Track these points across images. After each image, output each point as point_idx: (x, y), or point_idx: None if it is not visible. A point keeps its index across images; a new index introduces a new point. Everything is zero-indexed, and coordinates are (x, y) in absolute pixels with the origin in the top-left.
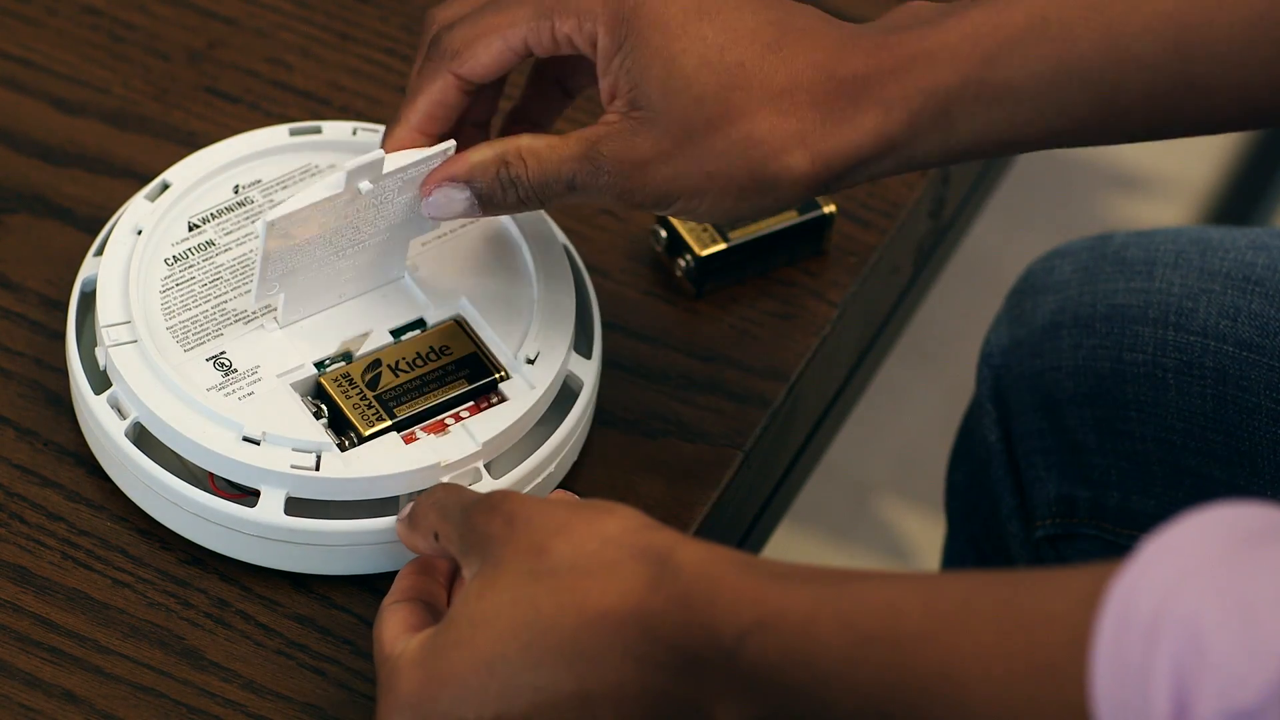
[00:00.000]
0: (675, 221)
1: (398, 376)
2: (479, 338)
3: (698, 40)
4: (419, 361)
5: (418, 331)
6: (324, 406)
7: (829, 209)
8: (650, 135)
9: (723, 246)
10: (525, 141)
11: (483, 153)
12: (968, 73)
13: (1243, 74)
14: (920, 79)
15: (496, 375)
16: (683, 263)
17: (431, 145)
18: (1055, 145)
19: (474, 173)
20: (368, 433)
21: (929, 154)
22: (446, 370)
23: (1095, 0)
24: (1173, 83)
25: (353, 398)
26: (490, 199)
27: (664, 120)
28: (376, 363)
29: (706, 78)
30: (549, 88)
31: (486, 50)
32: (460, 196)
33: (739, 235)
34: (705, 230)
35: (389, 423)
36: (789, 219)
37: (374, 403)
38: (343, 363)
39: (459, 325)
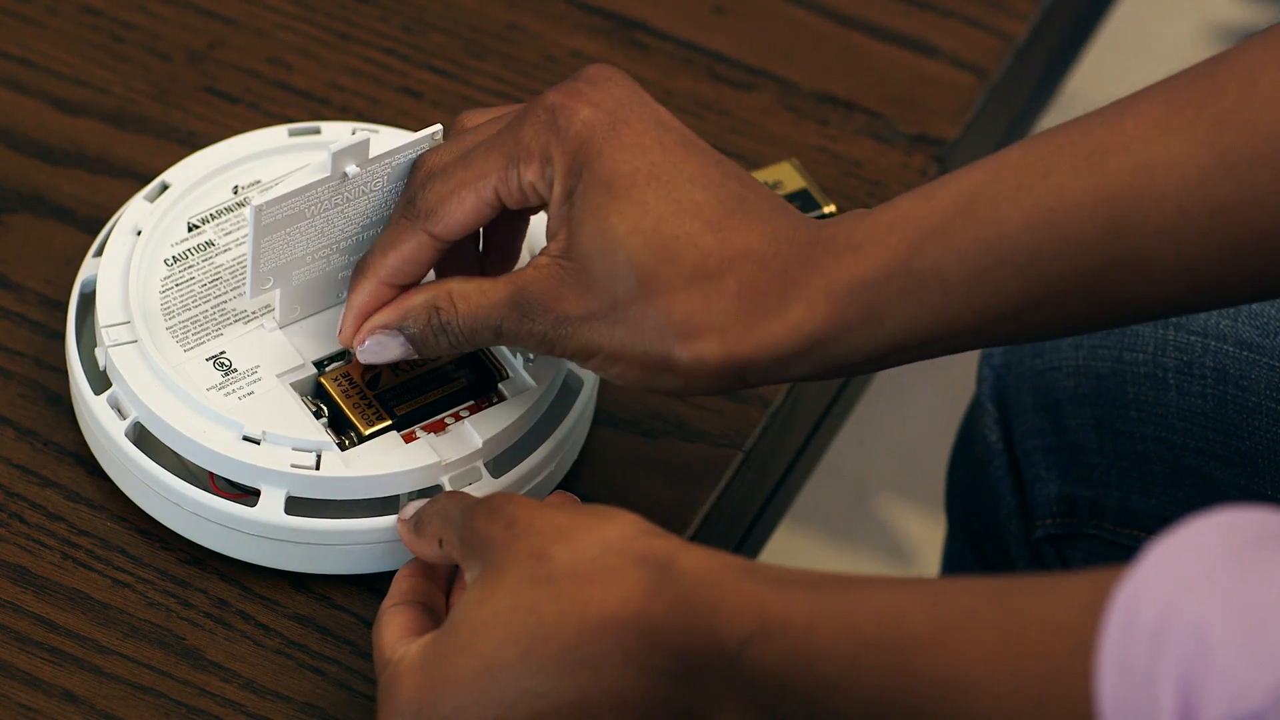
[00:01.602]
0: (335, 394)
1: (398, 376)
2: None
3: (638, 205)
4: (419, 360)
5: None
6: (324, 406)
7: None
8: (575, 290)
9: (388, 423)
10: (455, 285)
11: (414, 299)
12: (892, 262)
13: (1179, 247)
14: (845, 271)
15: (497, 374)
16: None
17: (395, 298)
18: (993, 339)
19: (405, 318)
20: (368, 432)
21: (854, 352)
22: (447, 369)
23: (1023, 180)
24: (1107, 260)
25: (353, 397)
26: (423, 344)
27: (590, 278)
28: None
29: (636, 245)
30: (514, 237)
31: (460, 207)
32: (394, 343)
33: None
34: (369, 404)
35: (389, 422)
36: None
37: (374, 402)
38: (341, 362)
39: None
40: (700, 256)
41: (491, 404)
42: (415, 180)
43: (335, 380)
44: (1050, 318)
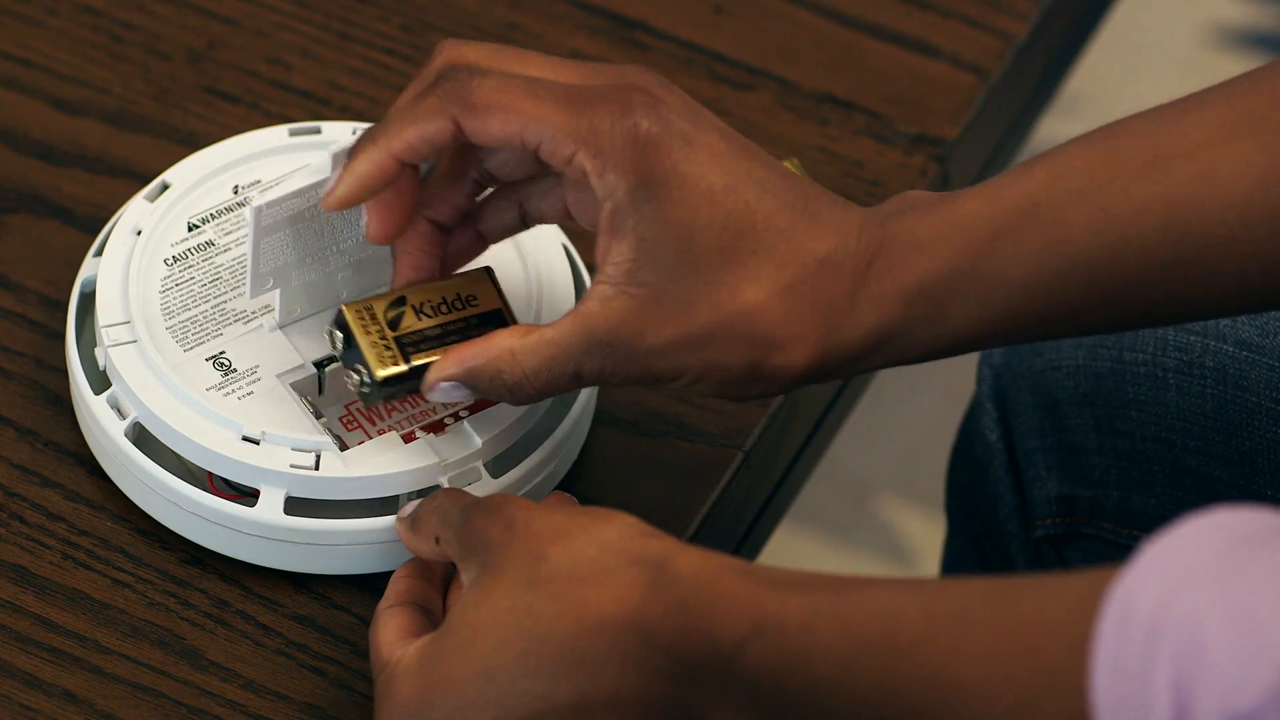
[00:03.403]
0: (355, 327)
1: (420, 320)
2: (505, 295)
3: (719, 221)
4: (444, 308)
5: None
6: (340, 336)
7: None
8: (654, 319)
9: (403, 368)
10: (514, 343)
11: (475, 360)
12: (959, 263)
13: (1238, 255)
14: (913, 270)
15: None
16: (356, 377)
17: (399, 178)
18: (1048, 335)
19: (469, 379)
20: (381, 375)
21: (918, 346)
22: (469, 323)
23: (1086, 185)
24: (1167, 266)
25: (372, 334)
26: (486, 395)
27: (668, 301)
28: (401, 300)
29: (721, 265)
30: (511, 205)
31: (504, 123)
32: (459, 395)
33: (421, 358)
34: (388, 347)
35: (404, 368)
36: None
37: (392, 344)
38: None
39: (489, 277)
40: (778, 269)
41: (491, 404)
42: (452, 63)
43: (358, 312)
44: (1107, 317)
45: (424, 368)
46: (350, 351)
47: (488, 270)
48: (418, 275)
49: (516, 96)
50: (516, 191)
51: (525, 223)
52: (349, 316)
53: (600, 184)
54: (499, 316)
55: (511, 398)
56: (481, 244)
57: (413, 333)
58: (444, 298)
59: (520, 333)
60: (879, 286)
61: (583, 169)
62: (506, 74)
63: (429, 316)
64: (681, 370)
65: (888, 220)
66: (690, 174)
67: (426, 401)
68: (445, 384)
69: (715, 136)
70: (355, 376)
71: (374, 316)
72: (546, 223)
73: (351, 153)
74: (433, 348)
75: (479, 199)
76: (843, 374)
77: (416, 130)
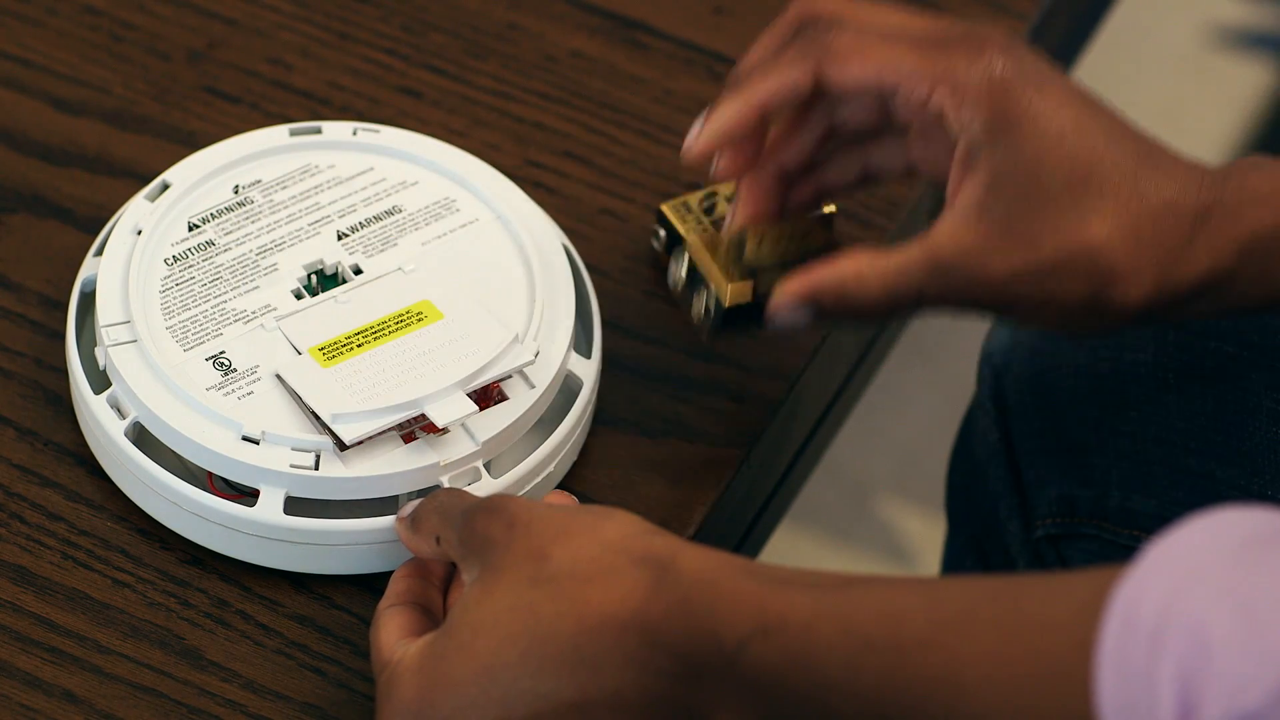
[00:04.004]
0: (675, 221)
1: (760, 251)
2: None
3: (1069, 159)
4: (781, 243)
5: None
6: (684, 266)
7: (828, 209)
8: (1000, 247)
9: (748, 299)
10: (862, 263)
11: (826, 274)
12: None
13: None
14: (1250, 222)
15: (824, 209)
16: (702, 304)
17: (758, 131)
18: None
19: (814, 298)
20: (729, 301)
21: (1246, 296)
22: (807, 257)
23: None
24: None
25: (718, 262)
26: (830, 316)
27: (1018, 235)
28: (743, 235)
29: (1069, 200)
30: (854, 160)
31: (863, 66)
32: (802, 316)
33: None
34: (734, 265)
35: (749, 293)
36: None
37: (735, 270)
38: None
39: (827, 222)
40: (1122, 208)
41: (491, 404)
42: (808, 14)
43: (702, 240)
44: None
45: (767, 296)
46: (694, 281)
47: (828, 216)
48: (756, 218)
49: (874, 43)
50: (860, 146)
51: (866, 179)
52: (691, 246)
53: (956, 119)
54: (833, 245)
55: (855, 317)
56: (822, 198)
57: (754, 261)
58: (782, 233)
59: (868, 256)
60: (1216, 235)
61: (940, 107)
62: (862, 24)
63: (769, 248)
64: (1021, 299)
65: (1230, 175)
66: (1043, 114)
67: (773, 324)
68: (791, 303)
69: (1066, 85)
70: (699, 304)
71: (717, 247)
72: (888, 178)
73: (712, 105)
74: (778, 272)
75: (823, 152)
76: (1174, 315)
77: (779, 79)
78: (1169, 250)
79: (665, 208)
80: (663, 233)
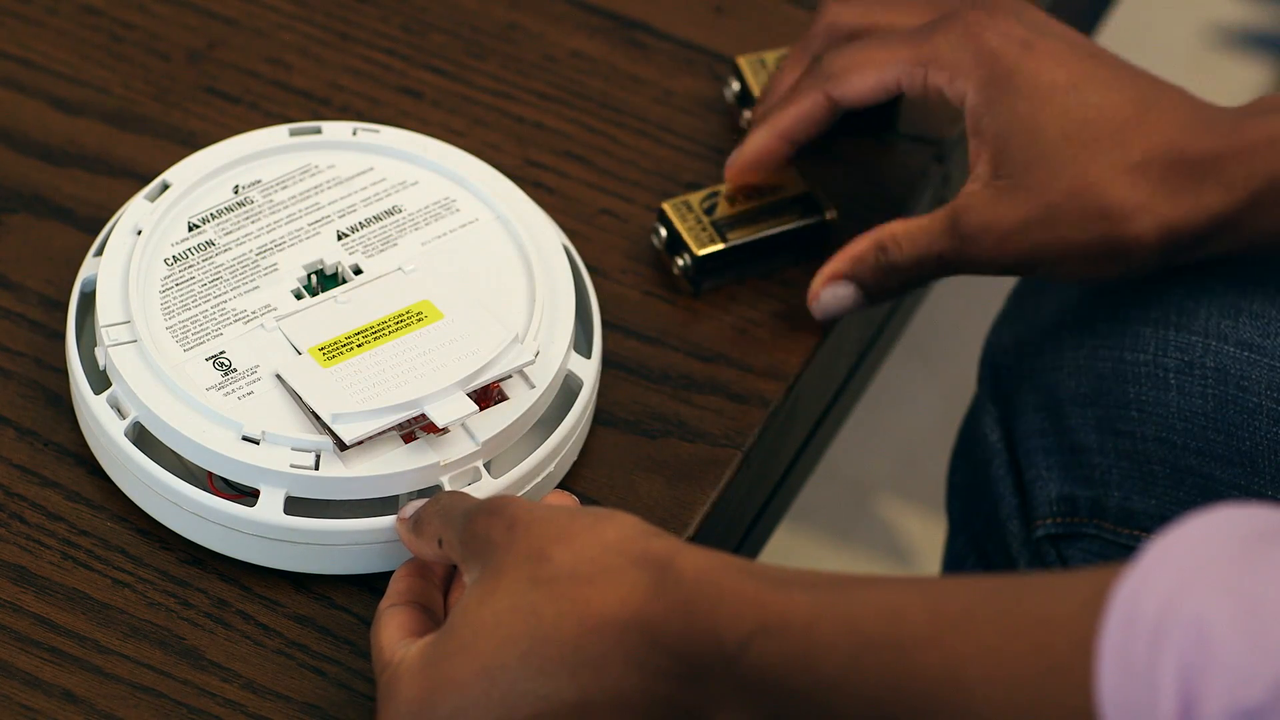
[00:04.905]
0: (674, 219)
1: (733, 206)
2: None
3: (1062, 112)
4: (754, 195)
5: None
6: (663, 230)
7: (830, 215)
8: (1011, 205)
9: (720, 247)
10: (896, 226)
11: (860, 244)
12: None
13: None
14: (1265, 162)
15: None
16: (680, 261)
17: (788, 155)
18: None
19: (856, 263)
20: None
21: (1265, 233)
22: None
23: None
24: None
25: (688, 221)
26: (875, 286)
27: (1024, 189)
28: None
29: (1067, 150)
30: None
31: (862, 79)
32: (846, 292)
33: (736, 237)
34: (704, 229)
35: (721, 245)
36: (788, 223)
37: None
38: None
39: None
40: (1124, 151)
41: (491, 403)
42: (820, 43)
43: (676, 206)
44: None
45: (742, 245)
46: (672, 242)
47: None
48: (748, 182)
49: (870, 53)
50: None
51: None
52: (668, 209)
53: (952, 91)
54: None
55: (880, 286)
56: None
57: (727, 217)
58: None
59: (900, 221)
60: (1228, 177)
61: (938, 87)
62: (861, 40)
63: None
64: (1040, 249)
65: (1244, 118)
66: (1031, 72)
67: (820, 313)
68: (833, 284)
69: (1058, 41)
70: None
71: (690, 208)
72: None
73: (744, 137)
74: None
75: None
76: (1192, 253)
77: (795, 110)
78: (1176, 189)
79: (666, 206)
80: (664, 231)
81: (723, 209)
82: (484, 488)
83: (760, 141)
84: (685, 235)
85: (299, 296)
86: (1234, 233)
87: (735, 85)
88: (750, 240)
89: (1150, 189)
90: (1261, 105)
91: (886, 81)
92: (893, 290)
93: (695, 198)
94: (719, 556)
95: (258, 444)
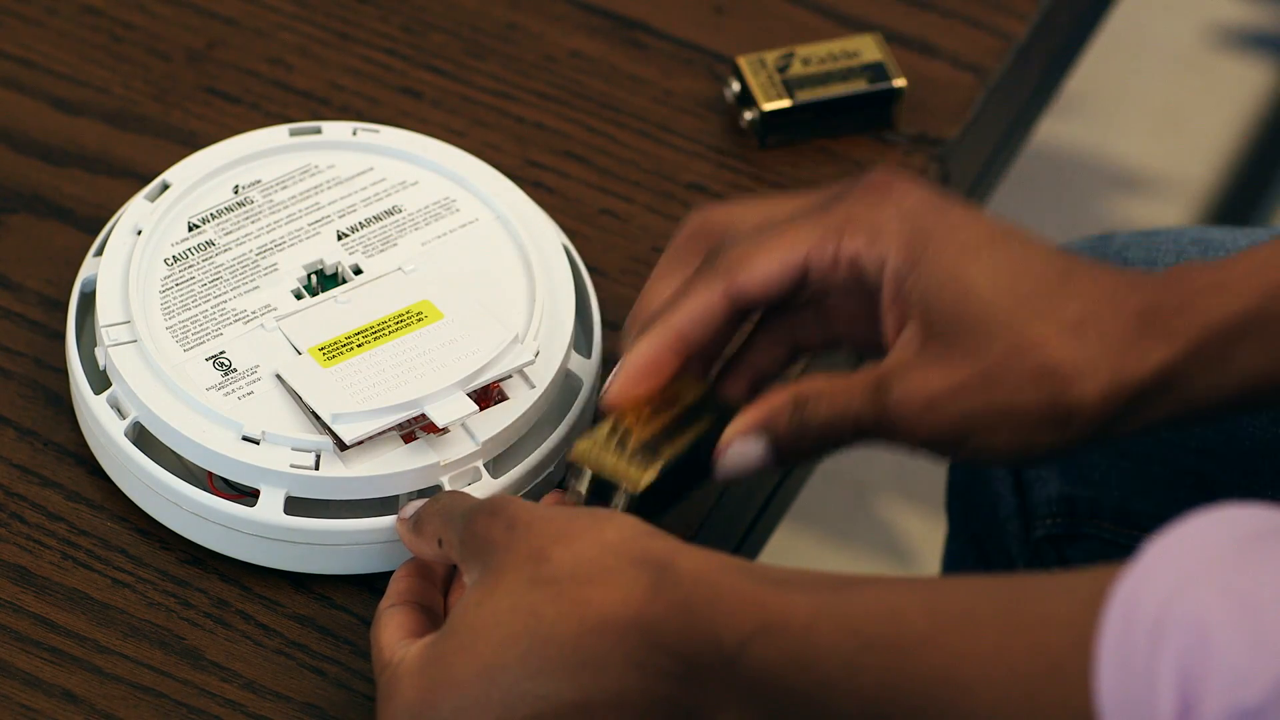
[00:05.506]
0: (747, 73)
1: (647, 429)
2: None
3: (991, 269)
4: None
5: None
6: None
7: (899, 82)
8: (943, 369)
9: (788, 103)
10: (818, 383)
11: (777, 396)
12: (1249, 305)
13: None
14: (1203, 312)
15: (894, 82)
16: (749, 115)
17: (679, 367)
18: None
19: (770, 418)
20: (768, 108)
21: (1204, 392)
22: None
23: None
24: None
25: (760, 76)
26: (785, 446)
27: (958, 350)
28: (790, 54)
29: (1001, 306)
30: (779, 340)
31: (764, 264)
32: (755, 449)
33: (805, 95)
34: (774, 86)
35: (788, 103)
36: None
37: (779, 84)
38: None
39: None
40: (1060, 307)
41: (492, 404)
42: (714, 241)
43: (750, 63)
44: None
45: (810, 104)
46: (744, 96)
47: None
48: (636, 395)
49: (771, 236)
50: (784, 322)
51: (794, 355)
52: (742, 63)
53: (870, 256)
54: (880, 66)
55: (793, 446)
56: (759, 386)
57: (799, 76)
58: (830, 52)
59: (822, 377)
60: (1165, 329)
61: (854, 253)
62: (754, 223)
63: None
64: (972, 417)
65: (1171, 275)
66: (953, 228)
67: (723, 472)
68: (741, 440)
69: (966, 205)
70: (748, 115)
71: (764, 64)
72: (821, 351)
73: (626, 345)
74: (817, 85)
75: (745, 343)
76: (1128, 423)
77: (690, 308)
78: (1117, 344)
79: (741, 60)
80: (736, 85)
81: (796, 68)
82: (484, 488)
83: (648, 348)
84: (755, 90)
85: (299, 296)
86: (1171, 393)
87: (735, 85)
88: (818, 99)
89: (1094, 346)
90: (1181, 266)
91: (793, 260)
92: (804, 452)
93: (770, 55)
94: (718, 557)
95: (258, 444)
